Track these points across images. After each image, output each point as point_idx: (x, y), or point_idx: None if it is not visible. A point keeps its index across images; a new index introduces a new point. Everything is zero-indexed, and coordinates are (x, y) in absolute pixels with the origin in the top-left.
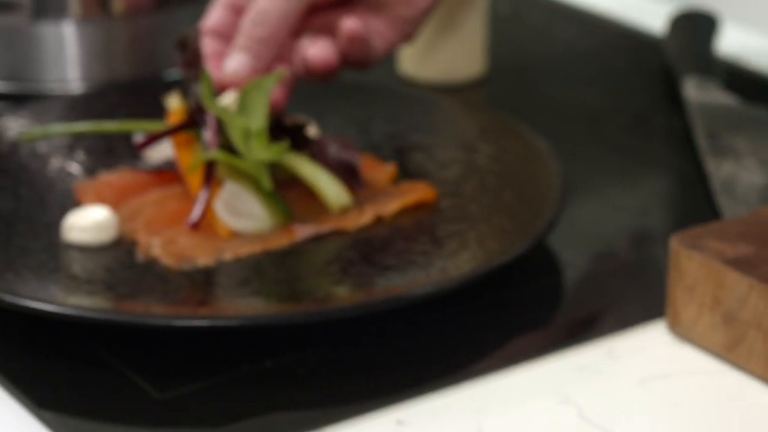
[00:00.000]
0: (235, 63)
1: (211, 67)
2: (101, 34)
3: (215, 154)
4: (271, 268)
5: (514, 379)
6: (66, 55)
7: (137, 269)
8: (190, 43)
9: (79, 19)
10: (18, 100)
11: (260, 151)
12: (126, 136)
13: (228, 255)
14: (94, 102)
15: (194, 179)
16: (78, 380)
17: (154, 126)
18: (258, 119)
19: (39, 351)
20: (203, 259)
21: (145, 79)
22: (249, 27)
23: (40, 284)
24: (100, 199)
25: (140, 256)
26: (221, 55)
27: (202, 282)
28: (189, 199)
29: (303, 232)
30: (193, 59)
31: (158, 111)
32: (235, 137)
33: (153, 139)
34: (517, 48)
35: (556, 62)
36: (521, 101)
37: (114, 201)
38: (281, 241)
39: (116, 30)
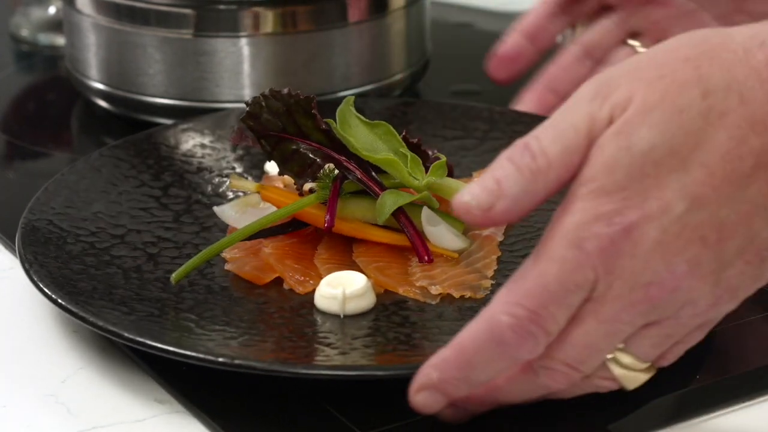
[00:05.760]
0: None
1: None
2: (276, 50)
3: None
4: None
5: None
6: (241, 72)
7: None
8: (241, 129)
9: (252, 35)
10: (193, 115)
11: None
12: None
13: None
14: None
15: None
16: (280, 417)
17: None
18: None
19: (235, 386)
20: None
21: (323, 98)
22: None
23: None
24: None
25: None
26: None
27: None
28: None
29: None
30: (261, 132)
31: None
32: (402, 176)
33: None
34: None
35: None
36: None
37: None
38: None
39: (292, 47)
